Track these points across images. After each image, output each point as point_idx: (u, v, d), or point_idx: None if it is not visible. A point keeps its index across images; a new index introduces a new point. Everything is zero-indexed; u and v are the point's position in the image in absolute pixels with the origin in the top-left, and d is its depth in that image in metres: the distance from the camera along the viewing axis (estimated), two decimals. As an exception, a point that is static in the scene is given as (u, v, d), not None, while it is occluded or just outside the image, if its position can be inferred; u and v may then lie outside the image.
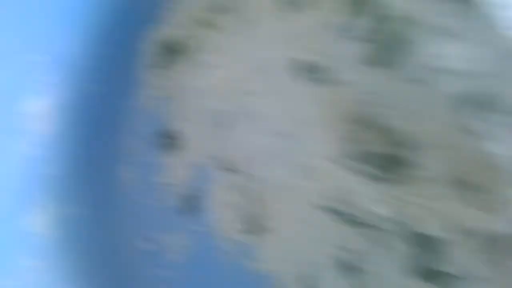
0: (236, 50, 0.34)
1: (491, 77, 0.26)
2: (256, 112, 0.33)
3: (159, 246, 0.35)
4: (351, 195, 0.30)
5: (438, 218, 0.28)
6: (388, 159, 0.29)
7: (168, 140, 0.36)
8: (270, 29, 0.32)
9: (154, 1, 0.36)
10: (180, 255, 0.35)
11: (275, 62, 0.32)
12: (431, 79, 0.27)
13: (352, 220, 0.30)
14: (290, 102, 0.31)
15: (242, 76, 0.34)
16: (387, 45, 0.27)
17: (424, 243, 0.29)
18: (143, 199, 0.35)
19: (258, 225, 0.34)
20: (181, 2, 0.35)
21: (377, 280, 0.31)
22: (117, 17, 0.35)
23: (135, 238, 0.35)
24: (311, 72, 0.30)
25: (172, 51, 0.36)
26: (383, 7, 0.26)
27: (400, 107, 0.28)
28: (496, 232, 0.27)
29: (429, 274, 0.30)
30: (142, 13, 0.36)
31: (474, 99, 0.26)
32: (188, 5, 0.35)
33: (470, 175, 0.28)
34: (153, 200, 0.35)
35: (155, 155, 0.36)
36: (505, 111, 0.26)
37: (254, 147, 0.34)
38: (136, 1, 0.35)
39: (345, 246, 0.31)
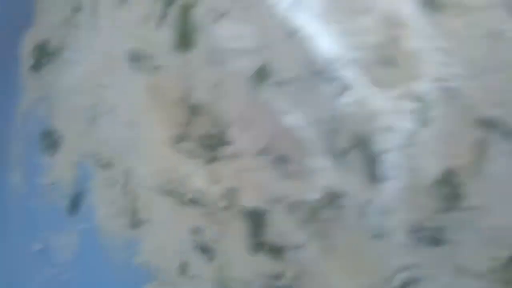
0: (90, 46, 0.43)
1: (267, 52, 0.33)
2: (110, 104, 0.42)
3: (49, 245, 0.43)
4: (184, 177, 0.37)
5: (256, 190, 0.34)
6: (210, 139, 0.35)
7: (50, 141, 0.46)
8: (111, 24, 0.41)
9: (25, 7, 0.46)
10: (68, 253, 0.43)
11: (117, 54, 0.40)
12: (225, 59, 0.32)
13: (192, 201, 0.36)
14: (131, 91, 0.40)
15: (96, 70, 0.43)
16: (184, 30, 0.35)
17: (254, 216, 0.35)
18: (32, 201, 0.43)
19: (136, 218, 0.43)
20: (46, 5, 0.45)
21: (227, 259, 0.37)
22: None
23: (26, 239, 0.43)
24: (141, 61, 0.39)
25: (43, 53, 0.46)
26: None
27: (209, 88, 0.35)
28: (305, 200, 0.32)
29: (265, 248, 0.35)
30: (16, 19, 0.46)
31: (261, 74, 0.33)
32: (52, 7, 0.45)
33: (277, 147, 0.33)
34: (42, 201, 0.43)
35: (40, 156, 0.43)
36: (284, 82, 0.33)
37: (115, 140, 0.43)
38: (9, 7, 0.45)
39: (197, 228, 0.38)
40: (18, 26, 0.43)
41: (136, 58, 0.35)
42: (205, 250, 0.37)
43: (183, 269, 0.39)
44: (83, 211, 0.43)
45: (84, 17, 0.40)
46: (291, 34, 0.30)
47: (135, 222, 0.41)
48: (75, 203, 0.43)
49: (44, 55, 0.42)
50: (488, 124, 0.30)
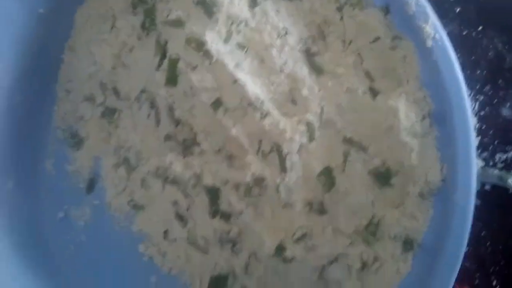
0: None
1: (220, 91, 0.59)
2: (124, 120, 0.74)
3: (69, 215, 0.70)
4: (169, 164, 0.63)
5: (213, 175, 0.61)
6: (186, 141, 0.63)
7: (76, 140, 0.73)
8: (134, 63, 0.74)
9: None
10: (83, 221, 0.70)
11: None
12: (195, 93, 0.59)
13: (173, 181, 0.63)
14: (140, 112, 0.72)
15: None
16: (171, 74, 0.61)
17: (212, 192, 0.62)
18: (59, 182, 0.71)
19: (133, 198, 0.71)
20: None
21: (195, 222, 0.64)
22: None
23: (52, 209, 0.70)
24: (146, 93, 0.72)
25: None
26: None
27: (185, 110, 0.61)
28: (243, 182, 0.60)
29: (220, 215, 0.62)
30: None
31: (216, 103, 0.59)
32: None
33: (230, 149, 0.60)
34: (67, 183, 0.71)
35: (68, 150, 0.71)
36: (229, 109, 0.65)
37: (132, 141, 0.69)
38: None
39: (175, 201, 0.64)
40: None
41: (143, 91, 0.65)
42: (181, 217, 0.65)
43: (166, 234, 0.67)
44: (96, 192, 0.71)
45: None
46: (234, 82, 0.57)
47: (132, 201, 0.69)
48: (91, 185, 0.71)
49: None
50: (349, 142, 0.59)
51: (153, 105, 0.64)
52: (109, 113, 0.69)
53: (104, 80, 0.68)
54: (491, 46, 0.71)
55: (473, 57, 0.69)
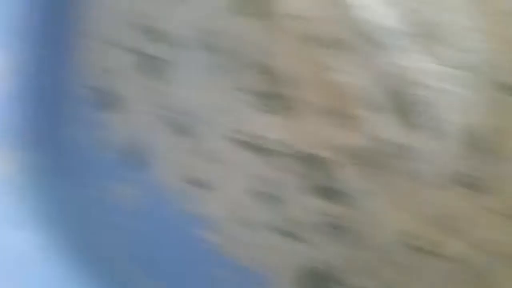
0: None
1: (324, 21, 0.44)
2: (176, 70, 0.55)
3: (109, 194, 0.56)
4: (252, 126, 0.50)
5: (313, 138, 0.47)
6: (274, 95, 0.49)
7: (112, 100, 0.57)
8: None
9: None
10: (129, 202, 0.56)
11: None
12: (285, 25, 0.45)
13: (255, 149, 0.49)
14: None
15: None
16: None
17: (313, 163, 0.48)
18: (93, 152, 0.57)
19: (195, 172, 0.55)
20: None
21: (288, 204, 0.50)
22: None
23: (91, 191, 0.57)
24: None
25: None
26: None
27: (271, 49, 0.47)
28: (361, 146, 0.46)
29: (323, 192, 0.48)
30: None
31: (318, 41, 0.45)
32: None
33: (335, 103, 0.46)
34: (104, 153, 0.57)
35: (101, 113, 0.57)
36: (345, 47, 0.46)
37: (192, 102, 0.54)
38: None
39: (259, 175, 0.50)
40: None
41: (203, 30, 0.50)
42: (264, 196, 0.52)
43: (240, 218, 0.53)
44: (146, 165, 0.57)
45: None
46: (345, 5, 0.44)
47: (198, 182, 0.55)
48: (138, 159, 0.57)
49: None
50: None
51: (217, 48, 0.50)
52: (155, 65, 0.55)
53: (146, 21, 0.55)
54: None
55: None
